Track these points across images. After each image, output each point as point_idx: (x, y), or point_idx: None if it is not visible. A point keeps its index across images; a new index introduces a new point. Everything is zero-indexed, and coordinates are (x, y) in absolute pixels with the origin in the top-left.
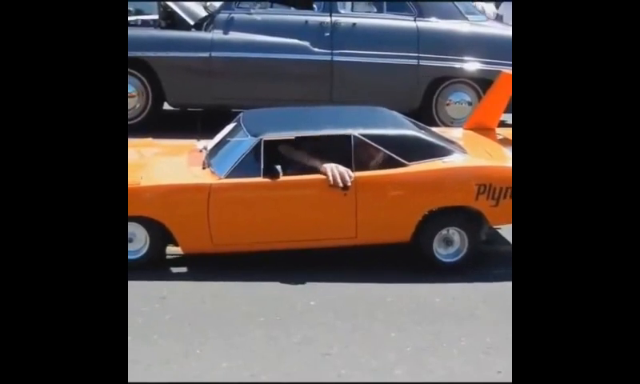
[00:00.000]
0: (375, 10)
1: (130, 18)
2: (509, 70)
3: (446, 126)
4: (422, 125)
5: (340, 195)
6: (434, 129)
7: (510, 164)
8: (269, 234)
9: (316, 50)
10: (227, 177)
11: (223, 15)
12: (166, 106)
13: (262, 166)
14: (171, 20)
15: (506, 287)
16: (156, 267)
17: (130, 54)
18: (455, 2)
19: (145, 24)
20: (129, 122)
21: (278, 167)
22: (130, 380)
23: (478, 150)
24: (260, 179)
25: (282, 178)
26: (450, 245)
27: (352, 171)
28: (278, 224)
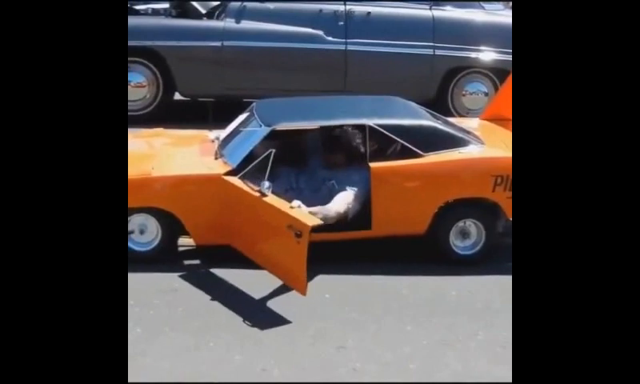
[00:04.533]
0: None
1: (140, 7)
2: None
3: (462, 116)
4: (438, 115)
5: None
6: (450, 119)
7: None
8: None
9: (330, 39)
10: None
11: (235, 4)
12: (177, 96)
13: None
14: (182, 9)
15: None
16: (168, 259)
17: (141, 43)
18: None
19: (155, 13)
20: (139, 112)
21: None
22: (140, 373)
23: (495, 140)
24: None
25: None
26: (467, 237)
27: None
28: None
